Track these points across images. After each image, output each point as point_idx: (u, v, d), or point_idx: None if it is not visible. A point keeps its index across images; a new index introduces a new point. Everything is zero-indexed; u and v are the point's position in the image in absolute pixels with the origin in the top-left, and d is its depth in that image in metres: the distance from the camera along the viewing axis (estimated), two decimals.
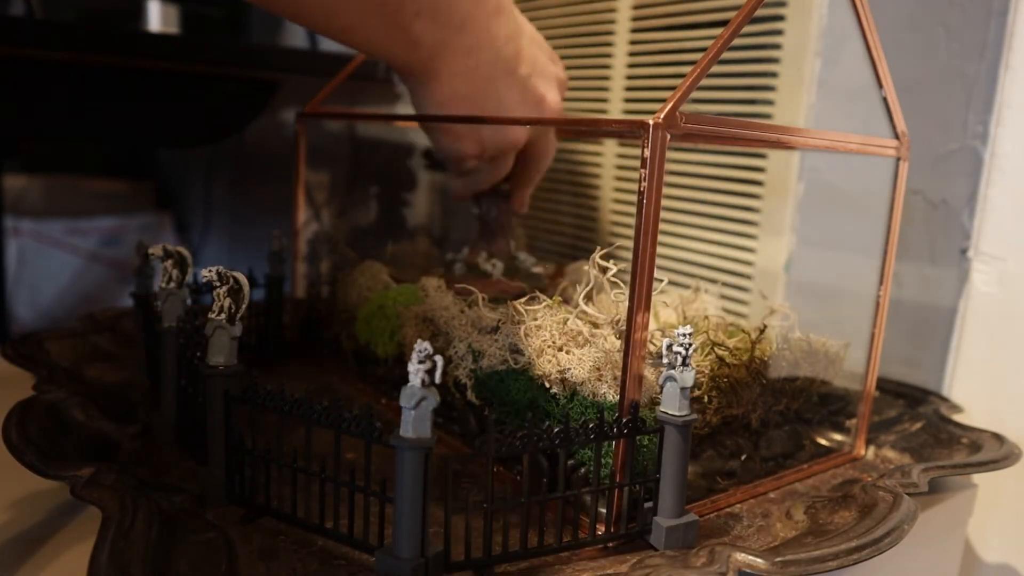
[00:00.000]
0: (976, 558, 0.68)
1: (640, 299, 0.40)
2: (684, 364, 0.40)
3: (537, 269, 0.68)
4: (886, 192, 0.54)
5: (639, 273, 0.39)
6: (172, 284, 0.52)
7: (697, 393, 0.48)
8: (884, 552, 0.41)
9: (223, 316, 0.44)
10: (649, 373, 0.44)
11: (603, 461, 0.42)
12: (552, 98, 0.61)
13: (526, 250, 0.79)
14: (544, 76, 0.61)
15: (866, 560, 0.40)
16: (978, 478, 0.57)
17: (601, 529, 0.42)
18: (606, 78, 0.81)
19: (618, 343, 0.46)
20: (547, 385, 0.47)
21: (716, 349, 0.50)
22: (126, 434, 0.51)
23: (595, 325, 0.49)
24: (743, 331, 0.53)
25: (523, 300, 0.52)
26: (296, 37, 1.30)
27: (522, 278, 0.66)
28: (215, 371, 0.43)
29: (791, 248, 0.67)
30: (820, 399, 0.58)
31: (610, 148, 0.82)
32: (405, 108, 1.04)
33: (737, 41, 0.42)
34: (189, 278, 0.53)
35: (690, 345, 0.40)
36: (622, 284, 0.46)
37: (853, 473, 0.54)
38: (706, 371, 0.49)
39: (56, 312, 1.38)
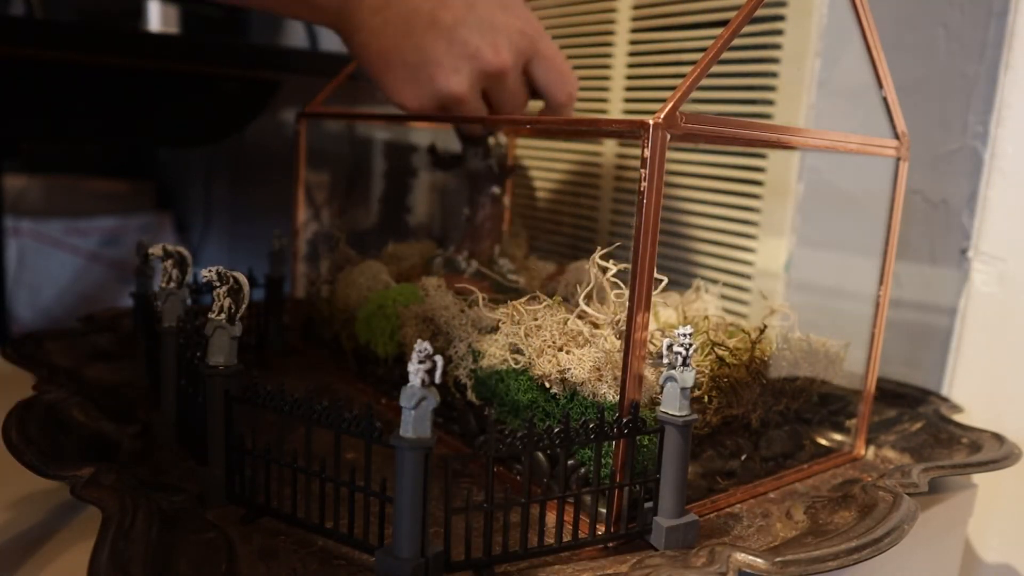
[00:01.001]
0: (976, 558, 0.68)
1: (640, 299, 0.40)
2: (684, 364, 0.40)
3: (515, 277, 0.68)
4: (886, 192, 0.54)
5: (639, 273, 0.39)
6: (172, 284, 0.52)
7: (697, 393, 0.48)
8: (884, 552, 0.41)
9: (223, 316, 0.44)
10: (649, 373, 0.44)
11: (603, 461, 0.42)
12: (491, 49, 0.57)
13: (527, 249, 0.79)
14: (482, 27, 0.57)
15: (866, 560, 0.40)
16: (978, 478, 0.57)
17: (601, 529, 0.42)
18: (606, 78, 0.81)
19: (618, 343, 0.46)
20: (547, 385, 0.47)
21: (716, 349, 0.50)
22: (126, 434, 0.51)
23: (595, 325, 0.49)
24: (743, 331, 0.53)
25: (523, 300, 0.52)
26: (296, 37, 1.30)
27: (493, 283, 0.66)
28: (215, 371, 0.43)
29: (791, 248, 0.67)
30: (820, 399, 0.58)
31: (610, 148, 0.82)
32: None
33: (737, 41, 0.42)
34: (189, 278, 0.53)
35: (690, 345, 0.40)
36: (622, 284, 0.46)
37: (853, 473, 0.54)
38: (706, 371, 0.49)
39: (56, 312, 1.38)
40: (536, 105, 0.66)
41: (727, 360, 0.50)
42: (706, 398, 0.49)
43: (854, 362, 0.57)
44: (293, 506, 0.42)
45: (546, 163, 0.90)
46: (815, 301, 0.68)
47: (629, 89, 0.79)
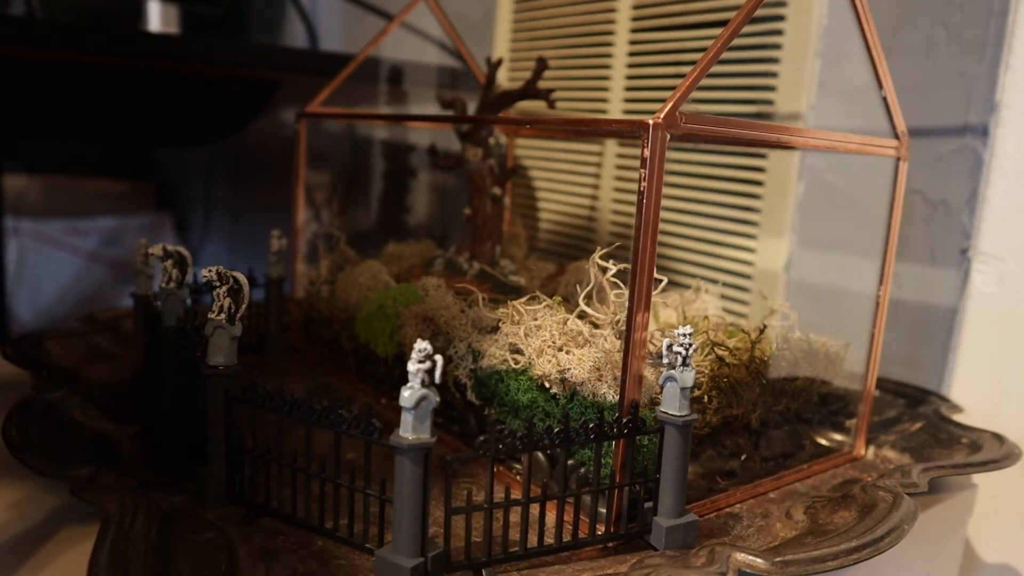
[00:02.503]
0: (976, 558, 0.68)
1: (640, 299, 0.40)
2: (684, 364, 0.40)
3: (516, 278, 0.68)
4: (886, 192, 0.54)
5: (639, 273, 0.39)
6: (172, 284, 0.52)
7: (697, 393, 0.48)
8: (884, 552, 0.41)
9: (223, 316, 0.44)
10: (649, 373, 0.44)
11: (603, 461, 0.42)
12: None
13: (527, 249, 0.79)
14: None
15: (866, 560, 0.40)
16: (978, 478, 0.57)
17: (601, 529, 0.42)
18: (606, 78, 0.81)
19: (618, 343, 0.46)
20: (547, 385, 0.47)
21: (716, 349, 0.50)
22: (126, 434, 0.51)
23: (595, 325, 0.49)
24: (743, 331, 0.53)
25: (523, 300, 0.52)
26: (296, 37, 1.30)
27: (495, 284, 0.66)
28: (215, 371, 0.43)
29: (791, 248, 0.67)
30: (820, 399, 0.58)
31: (610, 148, 0.82)
32: (405, 108, 1.05)
33: (737, 41, 0.42)
34: (189, 278, 0.53)
35: (690, 345, 0.40)
36: (622, 284, 0.46)
37: (853, 473, 0.54)
38: (706, 371, 0.49)
39: (56, 312, 1.37)
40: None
41: (727, 360, 0.50)
42: (706, 398, 0.49)
43: (854, 362, 0.57)
44: (293, 506, 0.42)
45: (546, 163, 0.90)
46: (815, 301, 0.68)
47: (629, 89, 0.79)
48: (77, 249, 1.42)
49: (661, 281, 0.43)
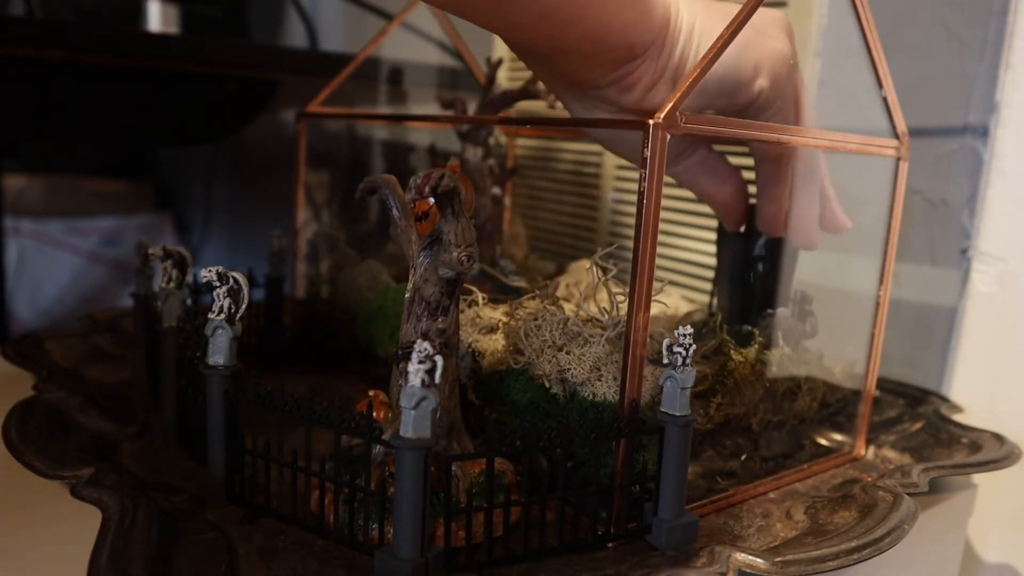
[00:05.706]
0: (976, 558, 0.68)
1: (640, 299, 0.40)
2: (684, 364, 0.40)
3: (517, 279, 0.68)
4: (886, 192, 0.54)
5: (639, 273, 0.39)
6: (172, 284, 0.52)
7: (701, 388, 0.48)
8: (884, 552, 0.41)
9: (223, 316, 0.44)
10: (649, 373, 0.44)
11: (603, 461, 0.42)
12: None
13: (527, 249, 0.79)
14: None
15: (866, 560, 0.40)
16: (978, 478, 0.57)
17: (601, 529, 0.42)
18: None
19: (618, 343, 0.46)
20: (547, 385, 0.47)
21: (730, 350, 0.49)
22: (126, 434, 0.51)
23: (595, 325, 0.49)
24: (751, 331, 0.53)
25: (523, 300, 0.52)
26: (296, 37, 1.30)
27: (495, 284, 0.66)
28: (215, 371, 0.43)
29: None
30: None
31: None
32: (405, 108, 1.05)
33: None
34: (189, 278, 0.53)
35: (690, 345, 0.40)
36: (622, 284, 0.46)
37: (853, 473, 0.54)
38: (712, 369, 0.48)
39: (56, 312, 1.37)
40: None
41: (734, 358, 0.49)
42: (710, 393, 0.48)
43: (854, 362, 0.57)
44: (293, 506, 0.42)
45: (546, 163, 0.90)
46: (815, 301, 0.68)
47: None
48: (77, 249, 1.42)
49: (661, 281, 0.43)
